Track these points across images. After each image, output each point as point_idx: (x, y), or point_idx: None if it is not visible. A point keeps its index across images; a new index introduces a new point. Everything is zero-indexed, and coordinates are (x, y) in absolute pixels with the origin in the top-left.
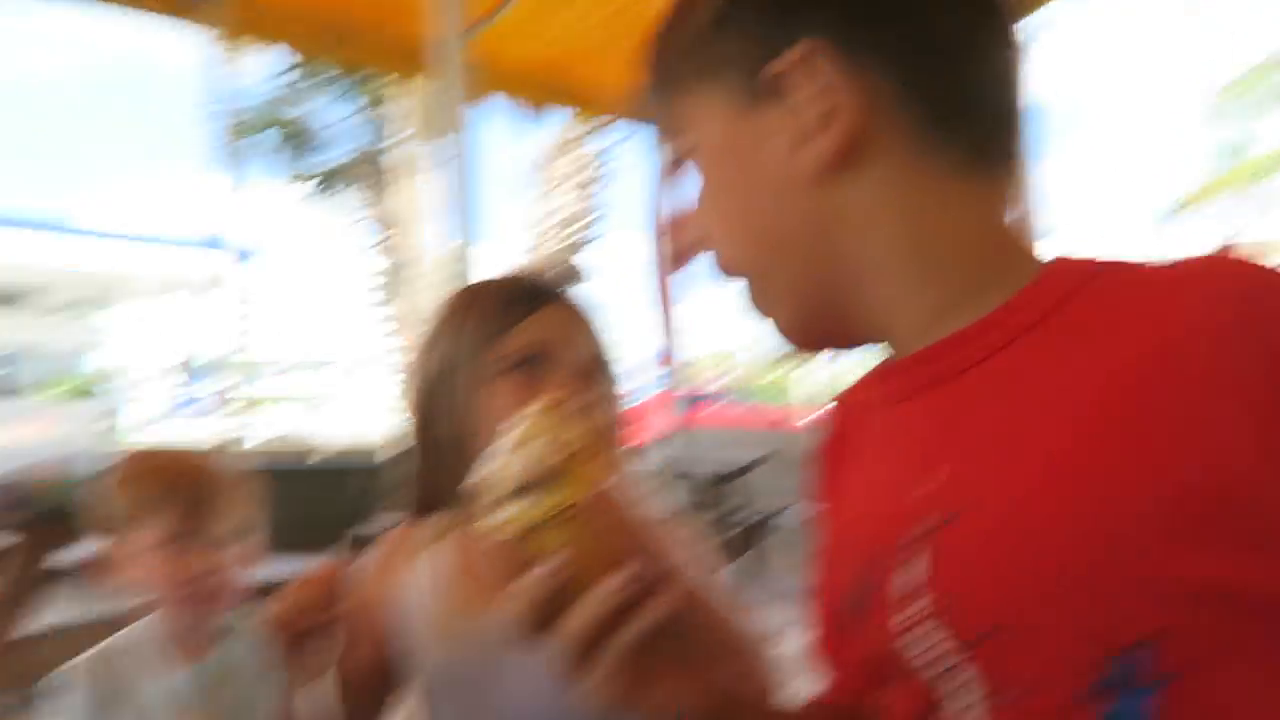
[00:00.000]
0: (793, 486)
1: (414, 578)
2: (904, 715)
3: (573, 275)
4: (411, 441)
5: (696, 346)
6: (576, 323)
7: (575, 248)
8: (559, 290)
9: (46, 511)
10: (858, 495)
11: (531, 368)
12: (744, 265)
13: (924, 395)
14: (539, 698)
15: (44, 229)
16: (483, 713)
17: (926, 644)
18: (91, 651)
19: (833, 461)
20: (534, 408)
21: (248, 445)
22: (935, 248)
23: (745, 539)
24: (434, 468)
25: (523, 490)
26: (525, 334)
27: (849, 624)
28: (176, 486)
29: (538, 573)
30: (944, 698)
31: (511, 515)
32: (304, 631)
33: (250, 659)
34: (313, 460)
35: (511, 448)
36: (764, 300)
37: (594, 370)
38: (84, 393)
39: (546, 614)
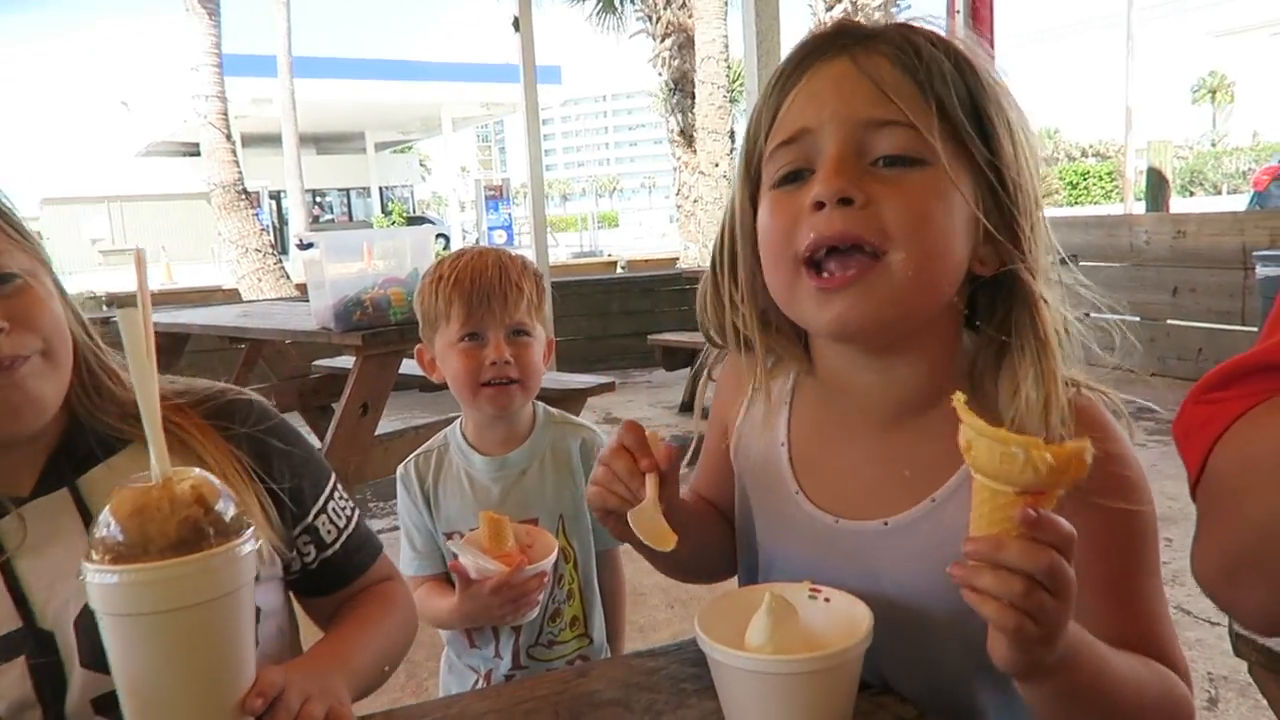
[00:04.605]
0: None
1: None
2: None
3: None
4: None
5: None
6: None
7: None
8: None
9: (398, 323)
10: None
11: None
12: None
13: None
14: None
15: (365, 74)
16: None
17: None
18: (418, 450)
19: None
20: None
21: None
22: None
23: None
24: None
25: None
26: (787, 123)
27: None
28: (467, 286)
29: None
30: None
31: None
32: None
33: (549, 456)
34: (617, 274)
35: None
36: None
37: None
38: (416, 219)
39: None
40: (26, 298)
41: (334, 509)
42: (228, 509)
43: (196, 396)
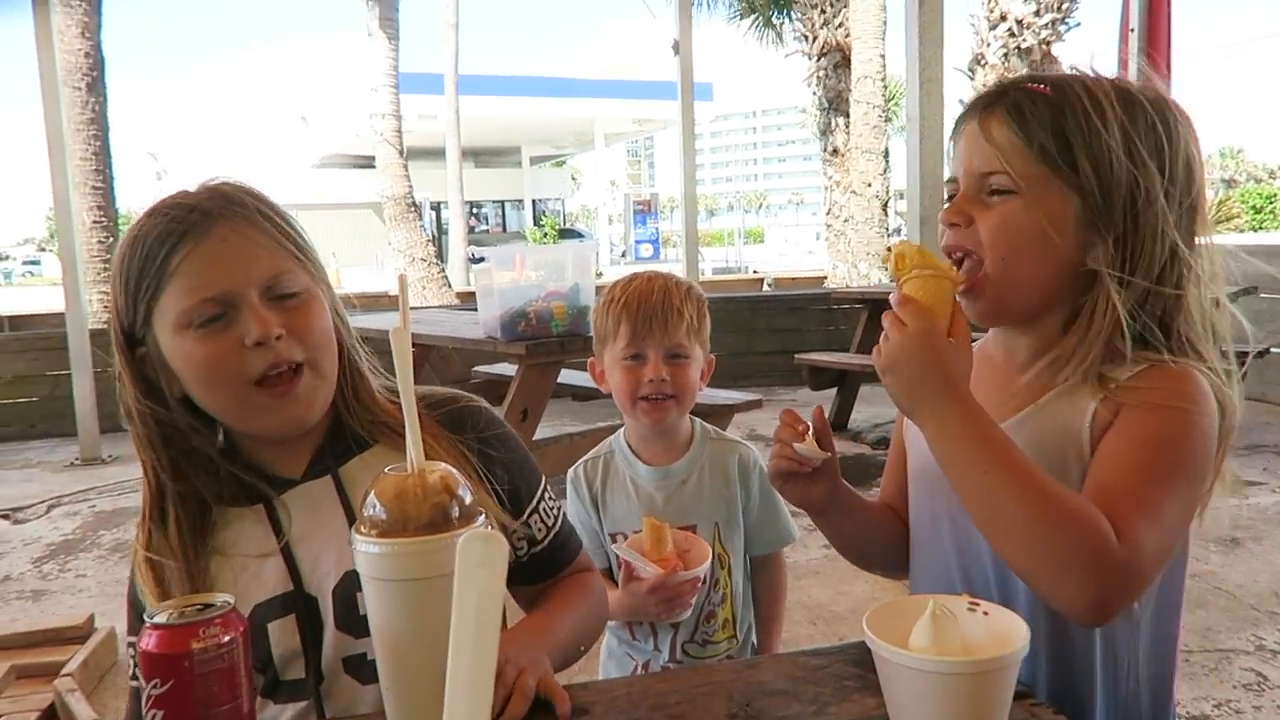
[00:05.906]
0: None
1: None
2: None
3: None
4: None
5: None
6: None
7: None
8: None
9: (559, 335)
10: None
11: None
12: None
13: None
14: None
15: (523, 91)
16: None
17: None
18: (585, 457)
19: None
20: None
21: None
22: None
23: None
24: None
25: None
26: (953, 167)
27: None
28: (634, 310)
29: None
30: None
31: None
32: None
33: (708, 468)
34: (764, 291)
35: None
36: None
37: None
38: (567, 231)
39: None
40: (304, 313)
41: (544, 509)
42: (466, 497)
43: (435, 400)
